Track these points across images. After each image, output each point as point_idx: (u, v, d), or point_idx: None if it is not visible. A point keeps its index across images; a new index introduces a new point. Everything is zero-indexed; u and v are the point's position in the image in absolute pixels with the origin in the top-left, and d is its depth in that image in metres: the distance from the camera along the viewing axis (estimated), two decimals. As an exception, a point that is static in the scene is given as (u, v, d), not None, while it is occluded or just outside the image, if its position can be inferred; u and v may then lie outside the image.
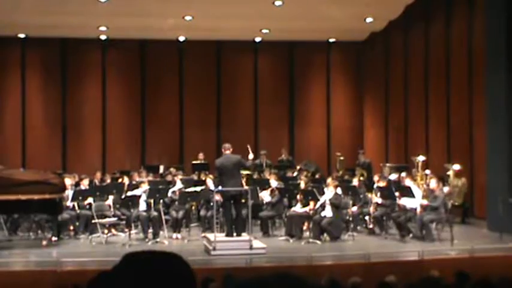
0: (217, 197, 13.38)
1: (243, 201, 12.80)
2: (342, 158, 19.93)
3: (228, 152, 12.66)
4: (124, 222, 14.23)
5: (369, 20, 20.25)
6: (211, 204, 13.66)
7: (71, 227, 14.03)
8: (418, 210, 13.39)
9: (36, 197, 12.40)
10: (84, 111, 21.96)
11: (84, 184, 14.81)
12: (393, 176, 16.26)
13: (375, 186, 14.75)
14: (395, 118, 20.78)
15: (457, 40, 17.43)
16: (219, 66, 22.66)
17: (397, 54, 20.76)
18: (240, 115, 22.56)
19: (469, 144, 16.77)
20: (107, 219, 13.97)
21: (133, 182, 15.43)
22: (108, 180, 16.40)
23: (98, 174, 17.07)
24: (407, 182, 14.28)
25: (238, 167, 12.65)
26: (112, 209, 14.48)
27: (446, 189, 14.81)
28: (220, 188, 12.92)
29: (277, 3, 18.16)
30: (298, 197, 14.38)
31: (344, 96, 23.32)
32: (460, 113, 17.12)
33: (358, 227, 14.74)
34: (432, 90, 18.58)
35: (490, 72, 14.85)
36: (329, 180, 14.51)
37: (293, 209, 14.33)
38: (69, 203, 13.89)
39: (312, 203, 13.84)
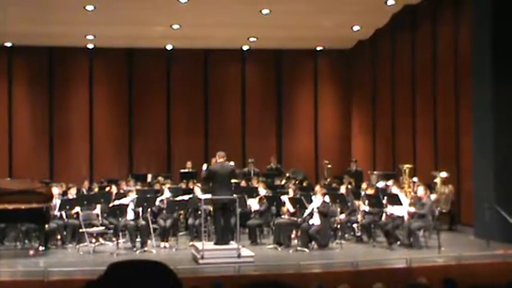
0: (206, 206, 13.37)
1: (231, 209, 12.81)
2: (329, 166, 19.97)
3: (222, 160, 12.67)
4: (112, 231, 14.17)
5: (356, 28, 20.37)
6: (199, 212, 13.64)
7: (58, 237, 13.95)
8: (406, 217, 13.44)
9: (23, 206, 12.35)
10: (72, 120, 21.90)
11: (72, 193, 14.72)
12: (380, 184, 16.32)
13: (362, 193, 14.80)
14: (382, 126, 20.86)
15: (444, 47, 17.55)
16: (207, 75, 22.67)
17: (384, 62, 20.86)
18: (227, 123, 22.57)
19: (455, 151, 16.86)
20: (95, 229, 13.91)
21: (121, 191, 15.36)
22: (96, 189, 16.34)
23: (86, 183, 17.01)
24: (394, 190, 14.34)
25: (231, 177, 12.67)
26: (100, 218, 14.43)
27: (433, 196, 14.86)
28: (208, 195, 12.93)
29: (265, 11, 18.23)
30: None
31: (332, 104, 23.39)
32: (447, 120, 17.22)
33: (346, 235, 14.76)
34: (419, 98, 18.68)
35: (476, 79, 14.94)
36: (317, 188, 14.53)
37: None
38: (56, 212, 13.81)
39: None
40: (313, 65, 23.24)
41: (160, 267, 2.11)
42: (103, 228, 14.12)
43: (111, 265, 2.10)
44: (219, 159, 12.72)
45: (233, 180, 14.97)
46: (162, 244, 13.92)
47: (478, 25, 14.96)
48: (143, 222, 13.61)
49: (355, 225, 14.71)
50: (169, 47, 22.03)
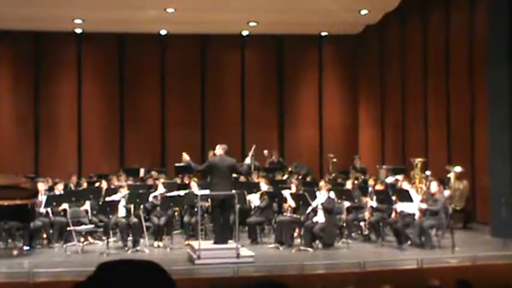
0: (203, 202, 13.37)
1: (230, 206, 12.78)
2: (334, 160, 19.95)
3: (222, 153, 12.64)
4: (102, 229, 14.18)
5: (363, 12, 20.28)
6: (196, 209, 13.63)
7: (44, 235, 13.94)
8: (417, 215, 13.42)
9: (6, 203, 12.33)
10: (59, 110, 21.86)
11: (59, 189, 14.71)
12: (390, 179, 16.30)
13: (370, 189, 14.79)
14: (392, 116, 20.84)
15: (457, 32, 17.50)
16: (204, 62, 22.63)
17: (393, 49, 20.82)
18: (226, 114, 22.54)
19: (470, 143, 16.84)
20: (83, 227, 13.90)
21: (112, 187, 15.39)
22: (85, 185, 16.32)
23: (74, 178, 16.98)
24: (404, 185, 14.30)
25: (232, 171, 12.64)
26: (89, 216, 14.42)
27: (446, 192, 14.85)
28: (206, 191, 12.93)
29: (266, -6, 18.18)
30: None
31: (337, 93, 23.36)
32: (461, 111, 17.19)
33: (353, 234, 14.76)
34: (431, 87, 18.64)
35: (492, 66, 14.90)
36: (321, 183, 14.52)
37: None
38: (42, 210, 13.80)
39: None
40: (318, 52, 23.19)
41: (153, 267, 2.09)
42: (92, 226, 14.13)
43: (100, 265, 2.08)
44: (219, 152, 12.68)
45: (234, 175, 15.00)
46: (156, 243, 13.93)
47: (494, 8, 14.91)
48: (135, 220, 13.61)
49: (362, 223, 14.71)
50: (163, 32, 21.97)
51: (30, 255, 12.79)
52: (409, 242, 13.44)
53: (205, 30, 21.72)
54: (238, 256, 11.74)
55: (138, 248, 13.39)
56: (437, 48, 18.34)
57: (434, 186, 13.69)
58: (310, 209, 13.59)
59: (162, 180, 15.94)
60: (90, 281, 2.03)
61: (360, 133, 23.06)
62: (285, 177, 17.79)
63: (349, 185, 15.40)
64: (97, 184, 16.14)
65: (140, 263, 2.10)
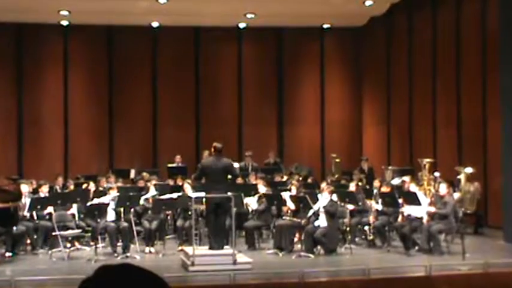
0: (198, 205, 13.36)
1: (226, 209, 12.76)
2: (337, 160, 19.95)
3: (216, 153, 12.61)
4: (89, 234, 14.16)
5: (368, 2, 20.26)
6: (190, 213, 13.62)
7: (28, 241, 13.93)
8: (425, 219, 13.41)
9: (-13, 206, 12.32)
10: (43, 107, 21.83)
11: (44, 191, 14.72)
12: (396, 181, 16.29)
13: (375, 191, 14.78)
14: (398, 114, 20.83)
15: (469, 25, 17.50)
16: (198, 57, 22.61)
17: (400, 42, 20.80)
18: (222, 111, 22.52)
19: (482, 143, 16.84)
20: (70, 231, 13.89)
21: (100, 189, 15.38)
22: (71, 187, 16.32)
23: (60, 180, 16.99)
24: (412, 188, 14.29)
25: (226, 173, 12.62)
26: (76, 220, 14.41)
27: (456, 195, 14.84)
28: (201, 194, 12.91)
29: (264, -17, 18.18)
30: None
31: (340, 89, 23.35)
32: (472, 108, 17.19)
33: (357, 239, 14.76)
34: (440, 82, 18.64)
35: (505, 61, 14.89)
36: (323, 185, 14.50)
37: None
38: (26, 213, 13.79)
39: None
40: (320, 45, 23.18)
41: (151, 276, 2.09)
42: (79, 231, 14.11)
43: (100, 268, 2.08)
44: (215, 152, 12.67)
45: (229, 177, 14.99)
46: (147, 249, 13.93)
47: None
48: (125, 224, 13.59)
49: (366, 228, 14.71)
50: (155, 24, 21.96)
51: (12, 262, 12.76)
52: (416, 248, 13.46)
53: (199, 22, 21.69)
54: (234, 263, 11.74)
55: (129, 254, 13.36)
56: (447, 42, 18.34)
57: (443, 189, 13.68)
58: (311, 212, 13.58)
59: (153, 182, 15.95)
60: (88, 283, 2.03)
61: (364, 132, 23.05)
62: (285, 178, 17.78)
63: (352, 186, 15.39)
64: (84, 186, 16.13)
65: (140, 271, 2.10)
